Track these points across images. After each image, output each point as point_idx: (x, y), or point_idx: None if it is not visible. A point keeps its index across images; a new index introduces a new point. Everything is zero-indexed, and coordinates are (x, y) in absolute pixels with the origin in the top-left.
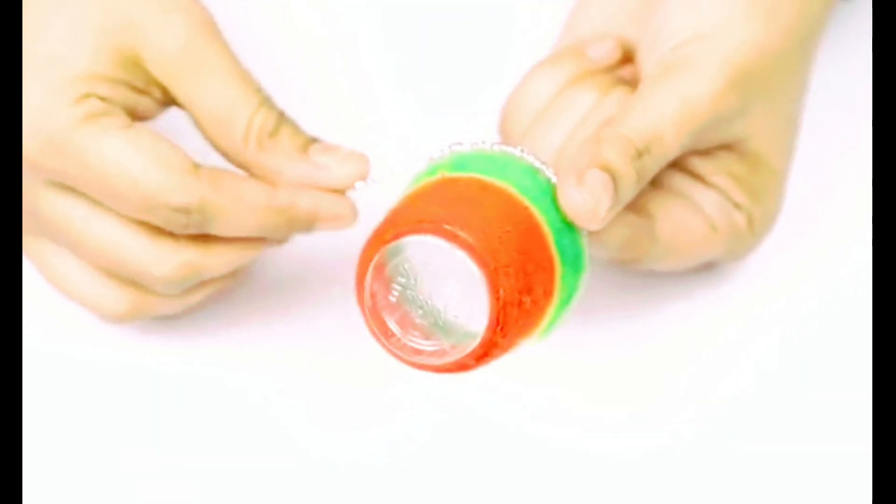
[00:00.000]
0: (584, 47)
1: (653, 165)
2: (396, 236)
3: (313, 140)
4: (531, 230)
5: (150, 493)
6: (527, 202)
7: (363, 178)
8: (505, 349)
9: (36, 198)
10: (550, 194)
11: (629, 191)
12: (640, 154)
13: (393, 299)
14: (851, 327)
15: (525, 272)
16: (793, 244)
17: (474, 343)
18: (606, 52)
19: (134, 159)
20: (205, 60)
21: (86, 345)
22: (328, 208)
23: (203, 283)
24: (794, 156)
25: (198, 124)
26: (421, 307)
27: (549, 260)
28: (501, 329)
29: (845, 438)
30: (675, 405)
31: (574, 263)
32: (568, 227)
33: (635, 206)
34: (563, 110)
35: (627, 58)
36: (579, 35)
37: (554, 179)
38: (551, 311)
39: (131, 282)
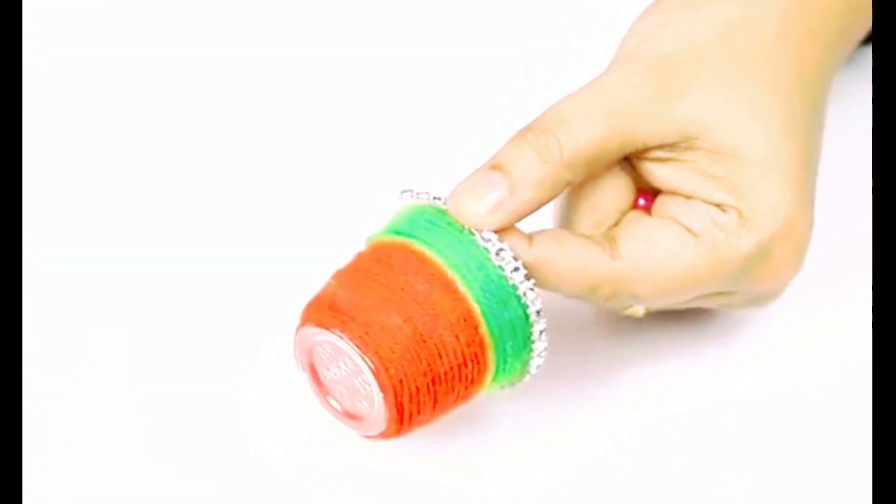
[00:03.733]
0: None
1: (559, 145)
2: (304, 323)
3: None
4: (448, 305)
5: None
6: (447, 270)
7: None
8: (422, 422)
9: None
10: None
11: (530, 174)
12: (536, 135)
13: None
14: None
15: (433, 354)
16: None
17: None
18: None
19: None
20: None
21: (84, 340)
22: None
23: None
24: (789, 140)
25: None
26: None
27: (474, 332)
28: (401, 418)
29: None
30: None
31: (512, 329)
32: (503, 289)
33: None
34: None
35: None
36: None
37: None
38: (489, 369)
39: None
